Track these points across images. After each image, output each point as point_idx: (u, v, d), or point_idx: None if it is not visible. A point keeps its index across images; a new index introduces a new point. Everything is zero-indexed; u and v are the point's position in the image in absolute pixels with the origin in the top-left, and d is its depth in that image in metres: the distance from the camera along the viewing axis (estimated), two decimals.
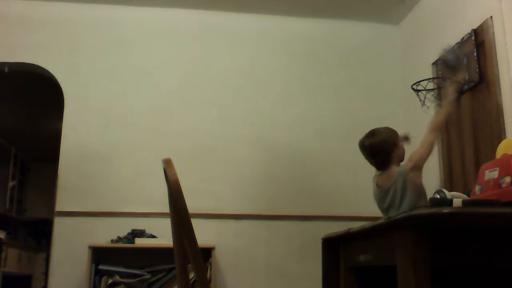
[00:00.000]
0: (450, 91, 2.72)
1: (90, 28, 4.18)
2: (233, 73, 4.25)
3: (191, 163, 3.97)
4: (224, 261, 3.86)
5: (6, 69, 4.10)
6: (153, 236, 3.73)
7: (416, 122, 4.08)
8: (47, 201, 7.79)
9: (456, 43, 3.50)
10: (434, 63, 3.83)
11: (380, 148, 2.69)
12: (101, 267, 3.58)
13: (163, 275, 3.63)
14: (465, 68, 2.79)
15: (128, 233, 3.71)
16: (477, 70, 3.25)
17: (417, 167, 2.61)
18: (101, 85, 4.09)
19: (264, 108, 4.21)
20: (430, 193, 1.74)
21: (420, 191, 2.62)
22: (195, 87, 4.18)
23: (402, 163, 2.73)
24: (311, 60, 4.37)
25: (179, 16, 4.30)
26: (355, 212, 3.95)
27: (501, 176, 1.62)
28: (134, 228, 3.77)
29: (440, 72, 2.73)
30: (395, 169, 2.67)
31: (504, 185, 1.59)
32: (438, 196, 1.64)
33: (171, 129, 4.05)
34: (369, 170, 4.16)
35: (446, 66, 2.80)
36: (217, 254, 3.81)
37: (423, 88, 3.59)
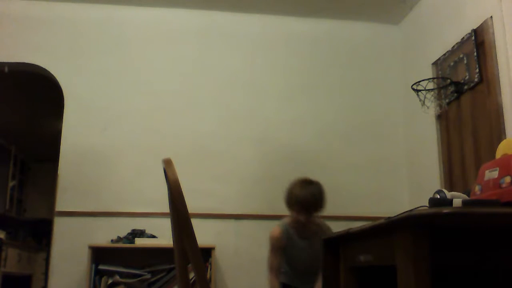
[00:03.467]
0: None
1: (90, 28, 4.18)
2: (233, 73, 4.25)
3: (191, 163, 3.97)
4: (224, 261, 3.85)
5: (6, 69, 4.10)
6: (153, 236, 3.73)
7: (416, 122, 4.08)
8: (47, 201, 7.79)
9: (454, 45, 3.50)
10: (434, 63, 3.84)
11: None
12: (101, 267, 3.59)
13: (163, 275, 3.63)
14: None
15: (128, 233, 3.71)
16: (477, 70, 3.25)
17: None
18: (101, 85, 4.08)
19: (264, 108, 4.21)
20: (430, 193, 1.73)
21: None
22: (195, 87, 4.18)
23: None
24: (311, 60, 4.37)
25: (179, 16, 4.30)
26: (355, 212, 3.95)
27: (501, 176, 1.61)
28: (134, 228, 3.77)
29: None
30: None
31: (504, 185, 1.59)
32: (438, 196, 1.63)
33: (171, 129, 4.05)
34: (369, 171, 4.19)
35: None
36: (217, 254, 3.81)
37: (423, 88, 3.59)
